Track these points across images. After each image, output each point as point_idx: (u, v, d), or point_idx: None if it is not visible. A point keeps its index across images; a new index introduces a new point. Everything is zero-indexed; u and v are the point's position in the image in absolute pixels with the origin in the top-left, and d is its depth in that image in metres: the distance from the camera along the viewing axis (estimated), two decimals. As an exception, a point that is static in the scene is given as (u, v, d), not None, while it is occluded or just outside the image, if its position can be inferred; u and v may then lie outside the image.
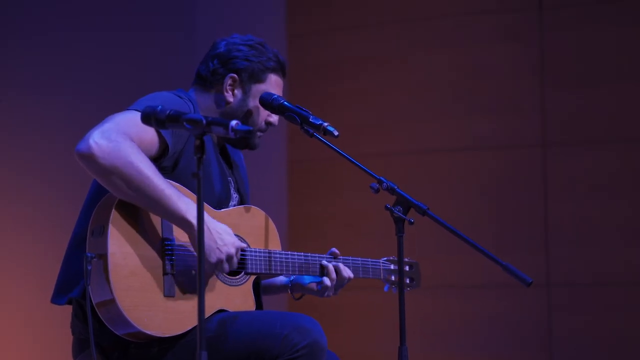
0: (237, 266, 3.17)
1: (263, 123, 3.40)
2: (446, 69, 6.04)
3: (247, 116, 3.36)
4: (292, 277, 3.52)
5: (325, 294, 3.45)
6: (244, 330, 3.08)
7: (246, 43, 3.39)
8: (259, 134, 3.41)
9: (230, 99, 3.36)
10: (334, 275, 3.43)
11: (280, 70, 3.41)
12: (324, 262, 3.44)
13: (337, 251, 3.50)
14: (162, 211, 3.02)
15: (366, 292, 5.74)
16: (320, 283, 3.44)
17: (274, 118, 3.41)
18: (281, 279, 3.54)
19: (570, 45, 5.82)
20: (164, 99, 3.17)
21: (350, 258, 3.51)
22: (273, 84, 3.39)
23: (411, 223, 3.31)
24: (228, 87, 3.35)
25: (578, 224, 5.73)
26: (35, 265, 5.20)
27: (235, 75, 3.35)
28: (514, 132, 5.90)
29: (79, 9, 5.53)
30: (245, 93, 3.36)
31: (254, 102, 3.36)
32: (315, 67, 6.30)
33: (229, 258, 3.09)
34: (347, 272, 3.46)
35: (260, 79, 3.36)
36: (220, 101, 3.36)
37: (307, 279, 3.49)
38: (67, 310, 3.24)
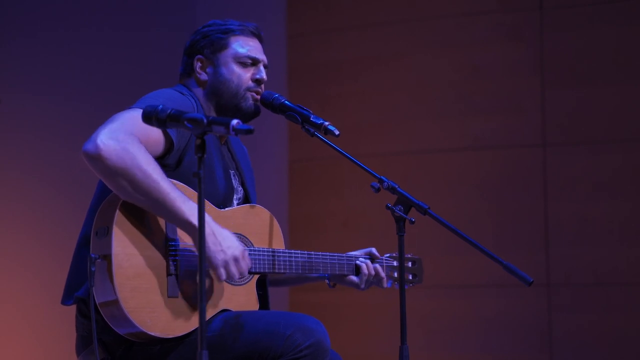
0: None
1: (250, 82, 3.36)
2: (446, 69, 6.04)
3: (228, 84, 3.34)
4: None
5: (359, 289, 3.56)
6: (247, 329, 3.08)
7: (206, 25, 3.41)
8: (248, 95, 3.35)
9: (205, 78, 3.36)
10: (366, 271, 3.53)
11: (247, 31, 3.38)
12: (359, 262, 3.53)
13: (375, 252, 3.60)
14: (166, 214, 3.02)
15: (367, 291, 5.73)
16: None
17: (262, 74, 3.38)
18: None
19: (570, 45, 5.81)
20: (166, 97, 3.17)
21: (353, 255, 3.53)
22: (241, 45, 3.36)
23: (412, 222, 3.32)
24: (199, 70, 3.36)
25: (578, 223, 5.73)
26: (35, 265, 5.20)
27: (200, 56, 3.36)
28: (514, 132, 5.89)
29: (79, 8, 5.53)
30: (215, 66, 3.35)
31: (227, 69, 3.34)
32: (315, 67, 6.30)
33: (235, 259, 3.08)
34: (382, 272, 3.58)
35: (223, 46, 3.36)
36: (200, 85, 3.36)
37: None
38: (68, 309, 3.24)
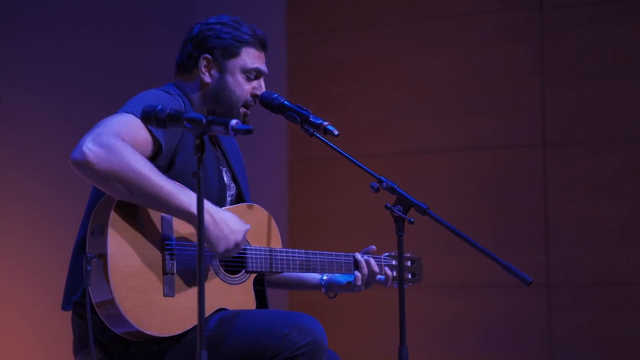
0: (238, 265, 3.18)
1: (248, 96, 3.36)
2: (446, 69, 6.04)
3: (231, 95, 3.33)
4: (325, 277, 3.55)
5: (356, 289, 3.51)
6: (244, 328, 3.08)
7: (219, 21, 3.37)
8: (242, 110, 3.35)
9: (208, 80, 3.33)
10: (365, 270, 3.48)
11: (258, 43, 3.37)
12: (358, 256, 3.49)
13: (374, 248, 3.56)
14: (165, 207, 3.02)
15: (367, 291, 5.73)
16: (352, 281, 3.50)
17: (262, 90, 3.38)
18: (314, 277, 3.56)
19: (570, 45, 5.81)
20: (155, 99, 3.15)
21: (351, 254, 3.52)
22: (250, 57, 3.34)
23: (411, 222, 3.31)
24: (203, 69, 3.33)
25: (578, 223, 5.73)
26: (35, 265, 5.20)
27: (208, 56, 3.32)
28: (514, 132, 5.89)
29: (79, 8, 5.53)
30: (222, 71, 3.33)
31: (232, 78, 3.33)
32: (315, 67, 6.30)
33: (237, 246, 3.09)
34: (377, 267, 3.52)
35: (234, 54, 3.33)
36: (200, 85, 3.34)
37: (340, 277, 3.53)
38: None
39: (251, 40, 3.35)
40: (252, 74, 3.36)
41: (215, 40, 3.33)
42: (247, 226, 3.12)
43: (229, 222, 3.08)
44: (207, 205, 3.04)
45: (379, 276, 3.55)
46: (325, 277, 3.56)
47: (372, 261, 3.51)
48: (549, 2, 5.86)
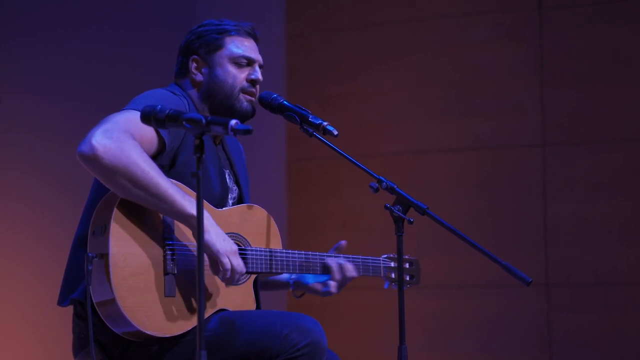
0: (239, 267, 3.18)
1: (244, 83, 3.36)
2: (446, 69, 6.04)
3: (223, 85, 3.34)
4: (293, 276, 3.52)
5: (329, 294, 3.45)
6: (244, 329, 3.09)
7: (201, 25, 3.40)
8: (241, 97, 3.35)
9: (200, 79, 3.35)
10: (338, 275, 3.43)
11: (242, 31, 3.38)
12: (328, 261, 3.43)
13: (344, 243, 3.50)
14: (167, 210, 3.02)
15: (367, 291, 5.74)
16: (325, 285, 3.44)
17: (257, 74, 3.37)
18: (283, 276, 3.54)
19: (570, 45, 5.81)
20: (160, 98, 3.17)
21: (350, 256, 3.51)
22: (236, 45, 3.36)
23: (411, 222, 3.31)
24: (194, 70, 3.36)
25: (578, 223, 5.73)
26: (35, 265, 5.20)
27: (195, 57, 3.35)
28: (514, 132, 5.89)
29: (79, 8, 5.53)
30: (211, 66, 3.34)
31: (221, 70, 3.33)
32: (314, 67, 6.30)
33: (235, 253, 3.08)
34: (350, 272, 3.45)
35: (218, 46, 3.35)
36: (195, 85, 3.36)
37: (309, 278, 3.48)
38: (68, 310, 3.24)
39: (233, 29, 3.37)
40: (242, 61, 3.36)
41: (198, 41, 3.36)
42: (236, 247, 3.11)
43: (222, 235, 3.09)
44: (207, 216, 3.05)
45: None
46: (293, 276, 3.53)
47: (345, 264, 3.44)
48: (548, 2, 5.86)
